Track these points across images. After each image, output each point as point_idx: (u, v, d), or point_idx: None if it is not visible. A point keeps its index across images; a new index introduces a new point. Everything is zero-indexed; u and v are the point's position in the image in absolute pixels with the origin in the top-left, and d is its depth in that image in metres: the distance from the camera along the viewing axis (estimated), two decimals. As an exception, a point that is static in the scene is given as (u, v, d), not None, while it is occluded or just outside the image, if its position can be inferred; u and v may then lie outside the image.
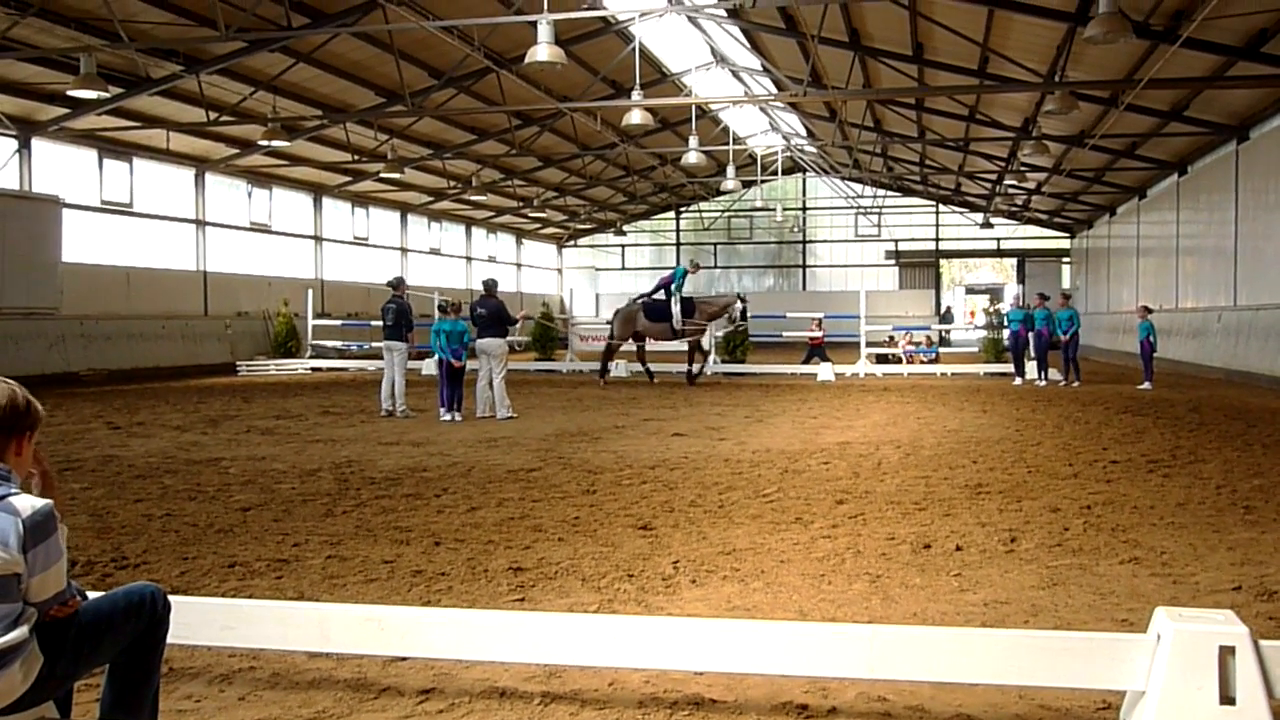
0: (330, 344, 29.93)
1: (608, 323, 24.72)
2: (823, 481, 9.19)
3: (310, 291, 30.51)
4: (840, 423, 14.34)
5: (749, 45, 28.06)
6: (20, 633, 2.95)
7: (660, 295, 22.53)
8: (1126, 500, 8.16)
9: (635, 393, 20.12)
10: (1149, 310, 21.24)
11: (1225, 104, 22.40)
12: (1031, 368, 22.53)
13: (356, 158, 30.02)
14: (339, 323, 31.12)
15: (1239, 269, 23.33)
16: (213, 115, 23.66)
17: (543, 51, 15.49)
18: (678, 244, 54.11)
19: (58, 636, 3.09)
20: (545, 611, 5.13)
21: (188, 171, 28.83)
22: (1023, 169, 32.16)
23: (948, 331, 41.29)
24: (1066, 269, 48.20)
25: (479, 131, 31.93)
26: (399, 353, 15.86)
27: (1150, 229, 32.27)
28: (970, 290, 60.28)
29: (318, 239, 35.14)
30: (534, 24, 15.98)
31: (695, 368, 22.83)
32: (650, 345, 23.41)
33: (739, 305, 22.97)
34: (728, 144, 34.04)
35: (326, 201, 35.50)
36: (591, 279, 55.09)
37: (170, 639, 3.56)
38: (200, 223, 29.24)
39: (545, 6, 15.77)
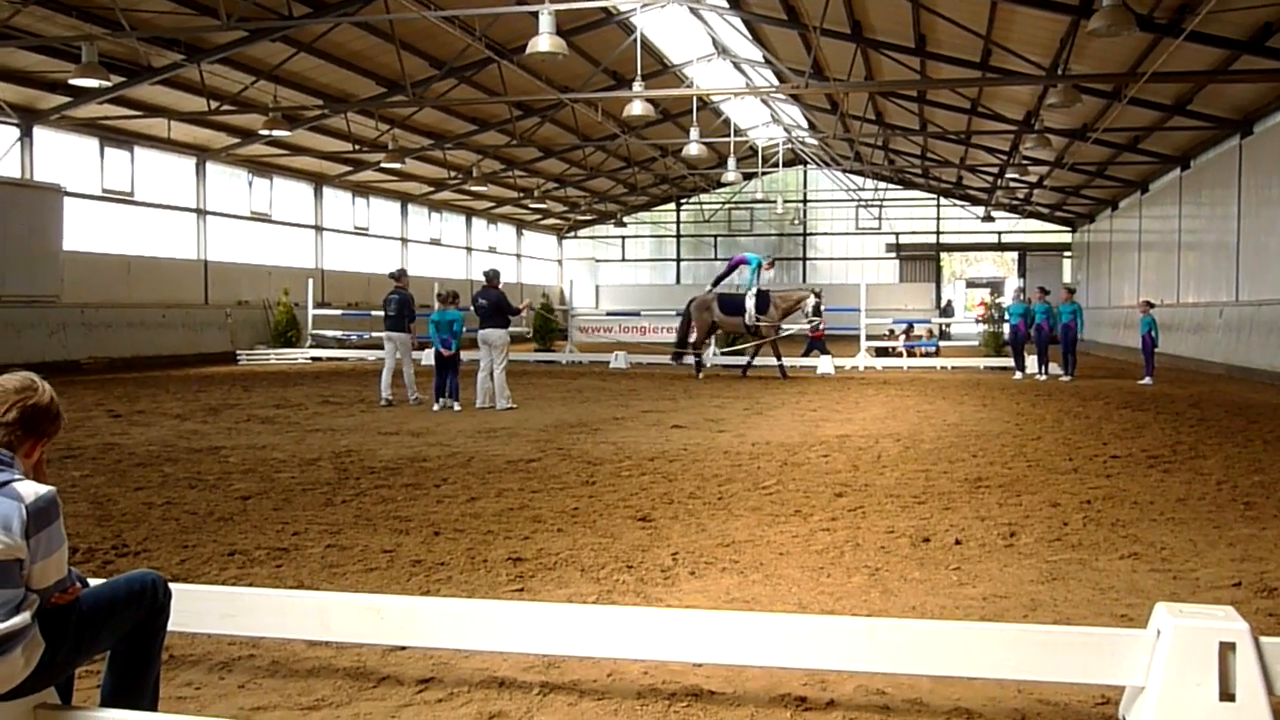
0: (330, 334, 29.96)
1: (678, 313, 24.31)
2: (822, 474, 9.19)
3: (311, 281, 30.51)
4: (840, 415, 14.34)
5: (750, 37, 28.02)
6: (22, 618, 2.95)
7: (735, 282, 21.62)
8: (1126, 495, 8.16)
9: (635, 385, 20.12)
10: (1150, 305, 21.22)
11: (1229, 98, 22.37)
12: (1032, 362, 22.52)
13: (357, 147, 29.99)
14: (339, 312, 31.15)
15: (1241, 264, 23.31)
16: (214, 104, 23.63)
17: (544, 42, 15.45)
18: (678, 235, 54.09)
19: (59, 623, 3.10)
20: (544, 602, 5.14)
21: (189, 160, 28.80)
22: (1024, 162, 32.12)
23: (948, 325, 41.33)
24: (1068, 263, 48.18)
25: (480, 122, 31.90)
26: (402, 343, 16.00)
27: (1152, 223, 32.24)
28: (971, 284, 60.33)
29: (318, 229, 35.12)
30: (535, 14, 15.94)
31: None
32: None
33: (812, 300, 21.87)
34: (729, 136, 34.02)
35: (327, 191, 35.47)
36: (592, 270, 55.07)
37: (171, 626, 3.56)
38: (201, 212, 29.21)
39: (547, -4, 15.76)
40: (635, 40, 22.94)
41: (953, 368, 25.16)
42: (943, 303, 50.28)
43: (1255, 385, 19.50)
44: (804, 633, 3.88)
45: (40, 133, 23.98)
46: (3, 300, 21.68)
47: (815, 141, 42.32)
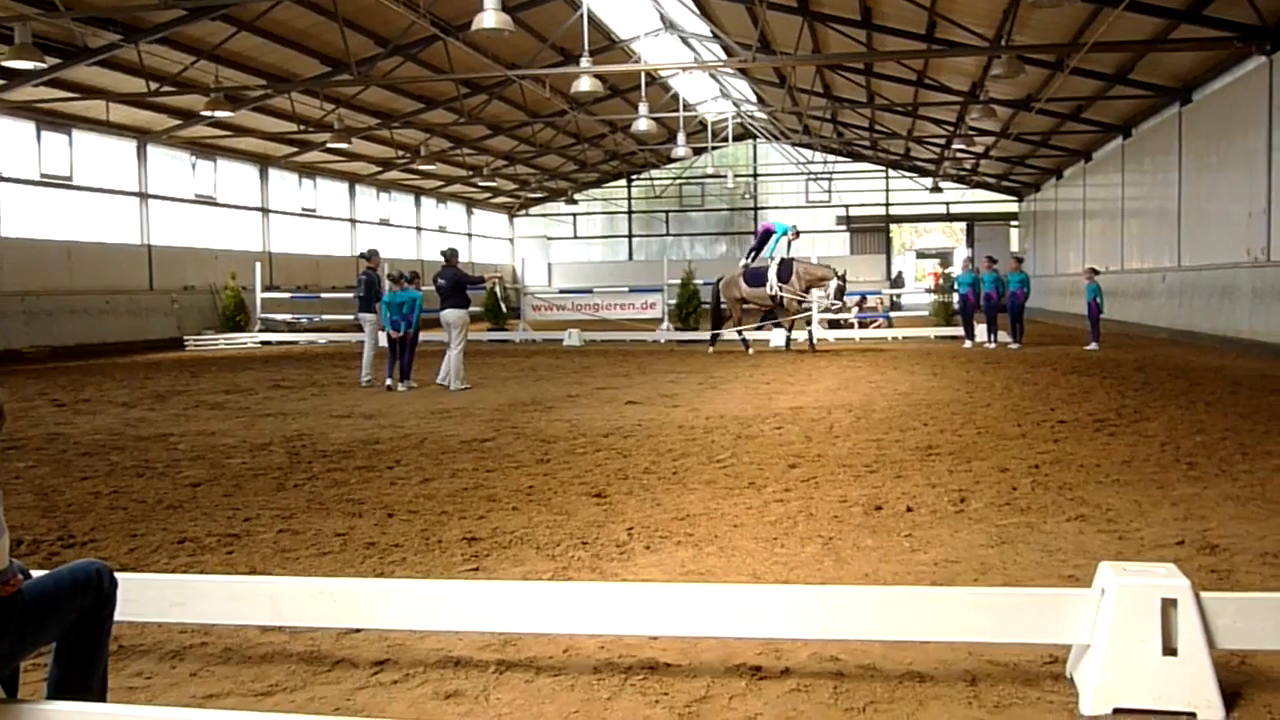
0: (280, 317, 29.63)
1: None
2: (776, 446, 9.25)
3: (258, 264, 30.08)
4: (793, 388, 14.42)
5: (698, 11, 27.95)
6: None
7: (762, 256, 21.22)
8: (1073, 459, 8.29)
9: (589, 362, 20.11)
10: (1096, 272, 21.53)
11: (1168, 67, 22.64)
12: (981, 330, 22.76)
13: (302, 128, 29.59)
14: (288, 295, 30.78)
15: (1182, 230, 23.68)
16: (153, 85, 23.16)
17: (489, 18, 15.31)
18: (629, 212, 53.97)
19: (1, 616, 3.05)
20: (499, 580, 5.14)
21: (129, 143, 28.26)
22: (971, 133, 32.36)
23: (898, 295, 41.64)
24: (1015, 232, 48.68)
25: (427, 100, 31.58)
26: (369, 324, 16.00)
27: (1096, 192, 32.64)
28: (921, 255, 60.76)
29: (265, 211, 34.64)
30: (480, -10, 15.79)
31: (800, 335, 21.87)
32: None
33: (835, 282, 20.91)
34: (678, 111, 33.93)
35: (273, 173, 34.98)
36: (544, 248, 54.84)
37: (119, 616, 3.52)
38: (143, 195, 28.69)
39: (491, -28, 15.59)
40: (582, 16, 22.76)
41: (904, 338, 25.38)
42: (893, 274, 50.61)
43: (1197, 348, 19.86)
44: (758, 603, 3.91)
45: (-27, 118, 23.45)
46: (-60, 290, 21.24)
47: (764, 115, 42.33)
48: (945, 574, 5.24)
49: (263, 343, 27.61)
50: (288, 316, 29.88)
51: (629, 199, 54.01)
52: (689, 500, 7.05)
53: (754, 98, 40.07)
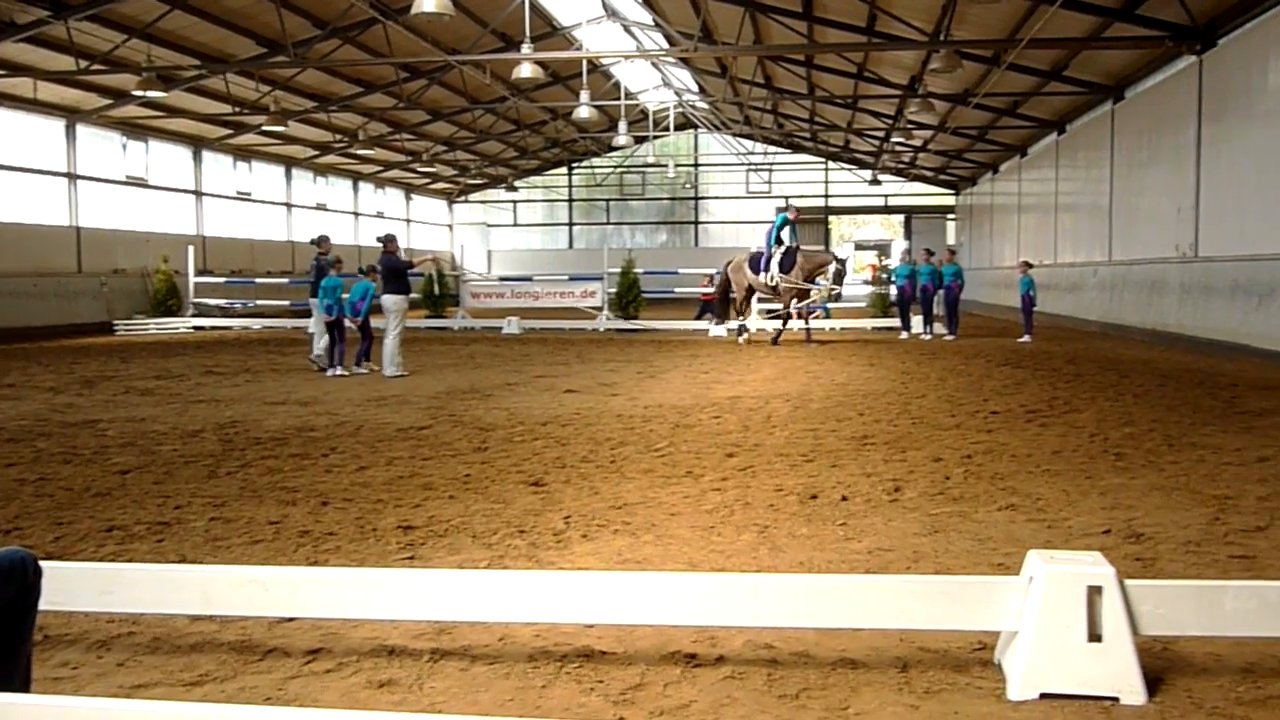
0: (213, 302, 29.15)
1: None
2: (713, 435, 9.29)
3: (191, 248, 29.53)
4: (731, 378, 14.49)
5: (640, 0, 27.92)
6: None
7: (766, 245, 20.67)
8: (1005, 449, 8.43)
9: (528, 350, 20.04)
10: (1029, 265, 21.88)
11: (1102, 64, 23.06)
12: (917, 322, 23.03)
13: (238, 110, 29.10)
14: (222, 280, 30.29)
15: (1114, 225, 24.15)
16: (83, 63, 22.62)
17: (430, 2, 15.20)
18: (570, 200, 53.84)
19: (-82, 606, 2.97)
20: (435, 569, 5.10)
21: (58, 122, 27.60)
22: (909, 126, 32.73)
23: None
24: (952, 225, 49.32)
25: (365, 84, 31.23)
26: (317, 309, 15.97)
27: (1031, 186, 33.17)
28: (859, 246, 61.31)
29: (198, 194, 34.03)
30: (420, -27, 15.64)
31: (796, 324, 21.01)
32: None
33: (834, 267, 20.31)
34: (619, 99, 33.89)
35: (207, 155, 34.37)
36: (483, 235, 54.52)
37: (45, 605, 3.44)
38: (72, 176, 28.04)
39: (432, -45, 15.45)
40: (523, 1, 22.64)
41: (841, 329, 25.60)
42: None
43: (1127, 341, 20.27)
44: (693, 591, 3.93)
45: (-106, 93, 22.74)
46: None
47: (705, 106, 42.43)
48: (879, 562, 5.30)
49: (195, 328, 27.15)
50: (221, 301, 29.42)
51: (569, 186, 53.89)
52: (626, 489, 7.06)
53: (695, 87, 40.13)
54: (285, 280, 31.96)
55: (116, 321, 26.77)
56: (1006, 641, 3.82)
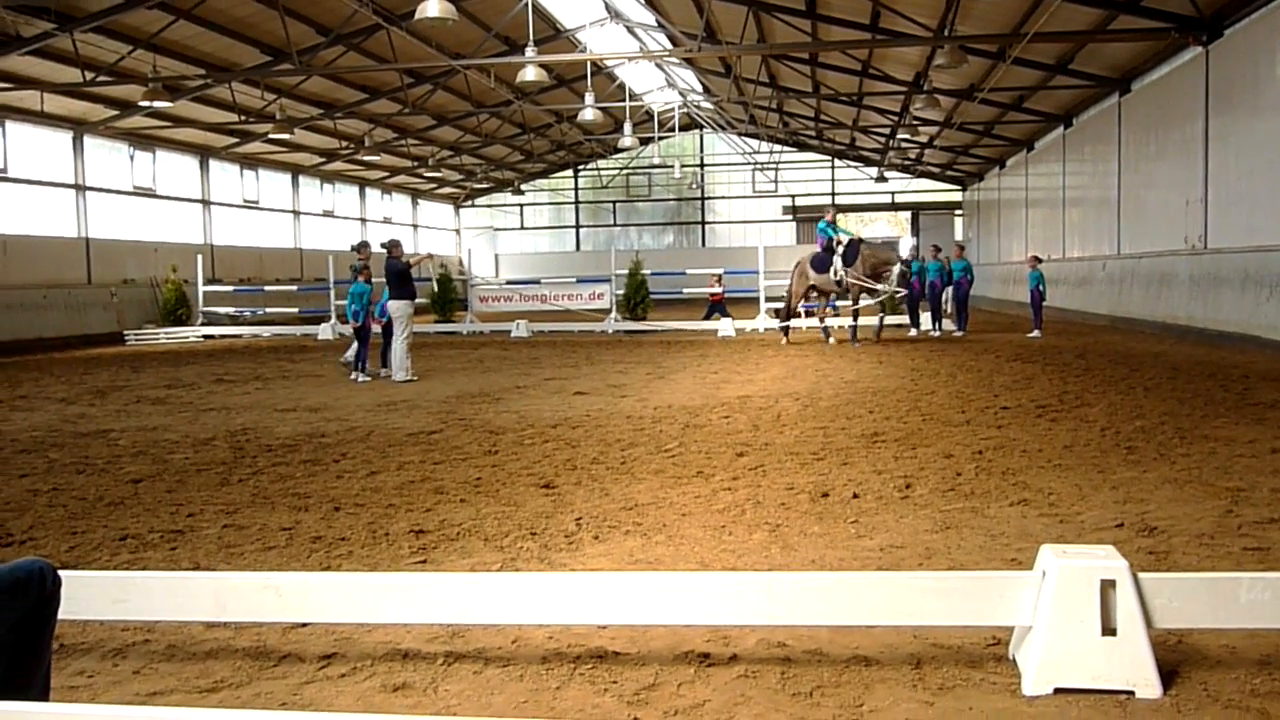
0: (223, 310, 29.22)
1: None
2: (723, 435, 9.29)
3: (200, 257, 29.60)
4: (740, 377, 14.48)
5: (643, 0, 27.90)
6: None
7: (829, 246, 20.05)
8: (1016, 444, 8.41)
9: (537, 353, 20.06)
10: (1039, 260, 21.82)
11: (1108, 57, 22.99)
12: (926, 318, 22.99)
13: (244, 118, 29.17)
14: (231, 289, 30.37)
15: (1121, 219, 24.09)
16: (89, 75, 22.71)
17: (433, 7, 15.22)
18: (576, 202, 53.89)
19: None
20: (447, 572, 5.11)
21: (65, 134, 27.70)
22: (915, 123, 32.64)
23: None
24: (959, 221, 49.22)
25: (370, 90, 31.28)
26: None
27: (1038, 180, 33.10)
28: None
29: (206, 203, 34.12)
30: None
31: (867, 321, 20.55)
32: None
33: (898, 268, 19.65)
34: (624, 101, 33.91)
35: (214, 164, 34.46)
36: (490, 239, 54.58)
37: (60, 614, 3.45)
38: (80, 188, 28.14)
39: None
40: (526, 4, 22.67)
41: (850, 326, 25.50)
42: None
43: (1136, 335, 20.22)
44: (706, 590, 3.93)
45: (-98, 108, 22.85)
46: None
47: (710, 105, 42.44)
48: (891, 559, 5.30)
49: (205, 337, 27.21)
50: (231, 310, 29.49)
51: (576, 189, 53.93)
52: (637, 490, 7.06)
53: (700, 88, 40.13)
54: (294, 288, 32.03)
55: (127, 331, 26.86)
56: (1020, 637, 3.81)
